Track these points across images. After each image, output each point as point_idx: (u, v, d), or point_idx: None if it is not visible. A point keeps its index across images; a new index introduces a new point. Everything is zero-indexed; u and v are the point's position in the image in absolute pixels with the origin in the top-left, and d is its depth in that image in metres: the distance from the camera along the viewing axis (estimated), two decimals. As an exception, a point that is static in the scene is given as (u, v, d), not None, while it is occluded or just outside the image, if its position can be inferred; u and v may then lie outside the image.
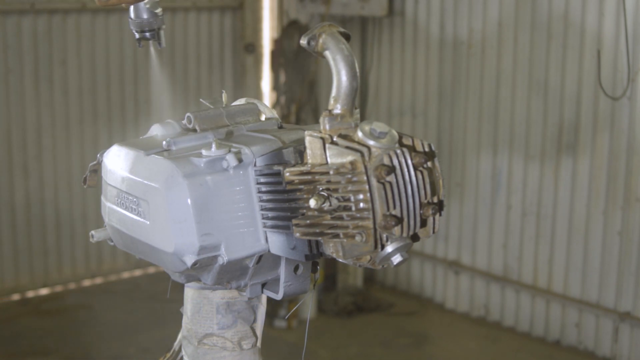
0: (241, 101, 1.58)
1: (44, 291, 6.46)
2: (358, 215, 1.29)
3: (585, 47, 5.21)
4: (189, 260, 1.36)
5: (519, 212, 5.68)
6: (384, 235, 1.30)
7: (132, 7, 1.73)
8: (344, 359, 5.47)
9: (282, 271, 1.45)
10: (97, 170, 1.55)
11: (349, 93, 1.35)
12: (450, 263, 6.15)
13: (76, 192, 6.43)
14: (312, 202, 1.30)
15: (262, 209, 1.38)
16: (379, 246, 1.31)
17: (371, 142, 1.30)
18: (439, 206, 1.34)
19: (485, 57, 5.77)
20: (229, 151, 1.37)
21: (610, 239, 5.21)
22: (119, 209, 1.46)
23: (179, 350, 1.60)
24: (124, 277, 6.80)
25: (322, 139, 1.33)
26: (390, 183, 1.29)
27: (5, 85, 6.11)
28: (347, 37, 1.37)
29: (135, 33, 1.78)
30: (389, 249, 1.31)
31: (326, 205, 1.31)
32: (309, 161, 1.34)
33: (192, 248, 1.36)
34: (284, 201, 1.35)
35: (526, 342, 5.64)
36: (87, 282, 6.66)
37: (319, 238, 1.33)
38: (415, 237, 1.34)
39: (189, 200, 1.34)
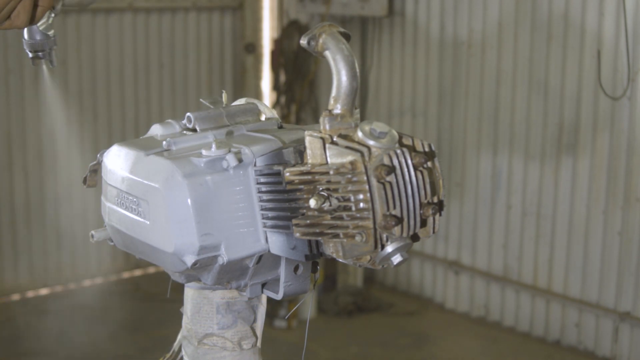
0: (241, 101, 1.58)
1: (44, 291, 6.46)
2: (358, 215, 1.29)
3: (585, 47, 5.21)
4: (189, 260, 1.36)
5: (519, 212, 5.68)
6: (384, 235, 1.30)
7: (25, 29, 1.86)
8: (344, 359, 5.47)
9: (282, 271, 1.45)
10: (97, 170, 1.55)
11: (349, 93, 1.35)
12: (450, 263, 6.15)
13: (76, 192, 6.43)
14: (312, 202, 1.30)
15: (262, 209, 1.38)
16: (379, 246, 1.31)
17: (371, 142, 1.30)
18: (439, 206, 1.34)
19: (485, 57, 5.77)
20: (229, 151, 1.37)
21: (610, 239, 5.22)
22: (119, 209, 1.46)
23: (179, 350, 1.60)
24: (124, 277, 6.81)
25: (322, 139, 1.33)
26: (390, 183, 1.29)
27: (5, 85, 6.11)
28: (347, 37, 1.37)
29: (29, 53, 1.91)
30: (389, 249, 1.31)
31: (326, 205, 1.31)
32: (309, 161, 1.34)
33: (192, 248, 1.35)
34: (284, 201, 1.35)
35: (526, 342, 5.64)
36: (87, 282, 6.66)
37: (319, 238, 1.33)
38: (415, 237, 1.34)
39: (189, 200, 1.34)
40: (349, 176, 1.29)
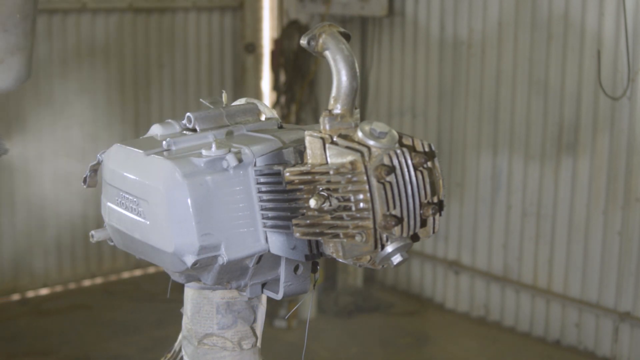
0: (241, 101, 1.58)
1: (44, 291, 6.46)
2: (358, 215, 1.29)
3: (585, 47, 5.21)
4: (189, 260, 1.36)
5: (519, 212, 5.68)
6: (384, 235, 1.30)
7: None
8: (344, 359, 5.47)
9: (282, 271, 1.45)
10: (97, 170, 1.55)
11: (349, 93, 1.35)
12: (450, 263, 6.15)
13: (76, 192, 6.43)
14: (312, 202, 1.30)
15: (262, 209, 1.38)
16: (379, 246, 1.31)
17: (371, 142, 1.30)
18: (439, 206, 1.34)
19: (485, 57, 5.77)
20: (229, 151, 1.37)
21: (610, 239, 5.22)
22: (119, 208, 1.46)
23: (180, 350, 1.60)
24: (124, 277, 6.81)
25: (322, 139, 1.33)
26: (390, 183, 1.29)
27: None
28: (347, 37, 1.37)
29: None
30: (389, 249, 1.31)
31: (326, 205, 1.31)
32: (309, 161, 1.34)
33: (192, 248, 1.35)
34: (284, 201, 1.35)
35: (526, 342, 5.64)
36: (87, 282, 6.66)
37: (319, 238, 1.33)
38: (415, 237, 1.34)
39: (189, 200, 1.34)
40: (349, 176, 1.29)
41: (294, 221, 1.34)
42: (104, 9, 6.46)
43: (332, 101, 1.36)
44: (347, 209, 1.30)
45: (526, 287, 5.69)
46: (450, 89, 6.03)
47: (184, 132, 1.48)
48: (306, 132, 1.35)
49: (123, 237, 1.49)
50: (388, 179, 1.28)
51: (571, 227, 5.42)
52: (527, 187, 5.62)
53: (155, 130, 1.51)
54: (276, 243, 1.38)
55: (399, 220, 1.29)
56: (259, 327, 1.56)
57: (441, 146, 6.05)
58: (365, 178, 1.28)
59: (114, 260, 6.72)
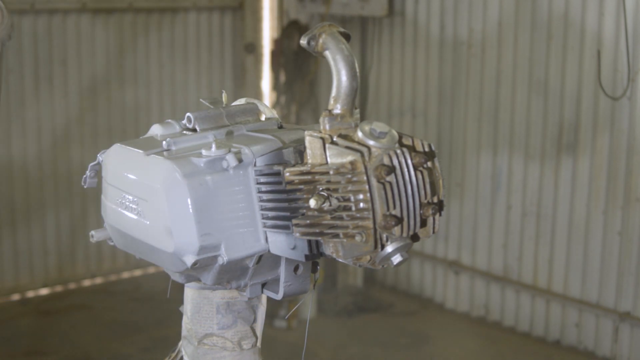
0: (241, 101, 1.58)
1: (44, 291, 6.46)
2: (358, 215, 1.29)
3: (585, 47, 5.21)
4: (189, 260, 1.36)
5: (519, 212, 5.68)
6: (384, 235, 1.30)
7: None
8: (344, 359, 5.47)
9: (282, 271, 1.45)
10: (97, 170, 1.55)
11: (349, 93, 1.35)
12: (450, 263, 6.15)
13: (76, 192, 6.43)
14: (312, 202, 1.30)
15: (262, 209, 1.38)
16: (379, 246, 1.31)
17: (371, 142, 1.30)
18: (439, 206, 1.34)
19: (485, 57, 5.77)
20: (229, 151, 1.37)
21: (610, 239, 5.22)
22: (118, 208, 1.46)
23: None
24: (124, 277, 6.81)
25: (322, 139, 1.33)
26: (390, 183, 1.29)
27: (5, 85, 6.11)
28: (347, 37, 1.37)
29: None
30: (389, 249, 1.31)
31: (326, 205, 1.31)
32: (309, 161, 1.34)
33: (192, 248, 1.35)
34: (284, 201, 1.35)
35: (526, 342, 5.64)
36: (87, 282, 6.66)
37: (319, 238, 1.33)
38: (415, 237, 1.34)
39: (189, 200, 1.34)
40: (349, 176, 1.29)
41: (294, 221, 1.34)
42: (104, 9, 6.46)
43: (332, 101, 1.36)
44: (347, 209, 1.30)
45: (526, 287, 5.69)
46: (450, 89, 6.03)
47: (184, 132, 1.49)
48: (306, 132, 1.35)
49: (123, 237, 1.49)
50: (388, 179, 1.28)
51: (571, 227, 5.42)
52: (527, 187, 5.62)
53: (155, 130, 1.51)
54: (276, 243, 1.39)
55: (399, 220, 1.29)
56: (259, 327, 1.56)
57: (441, 146, 6.05)
58: (365, 178, 1.28)
59: (114, 260, 6.72)
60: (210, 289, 1.49)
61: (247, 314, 1.53)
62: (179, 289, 1.57)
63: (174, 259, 1.38)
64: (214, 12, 7.02)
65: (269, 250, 1.40)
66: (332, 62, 1.35)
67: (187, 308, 1.54)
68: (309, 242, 1.35)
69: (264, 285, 1.48)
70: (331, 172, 1.30)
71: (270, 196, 1.37)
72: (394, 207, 1.29)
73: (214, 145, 1.37)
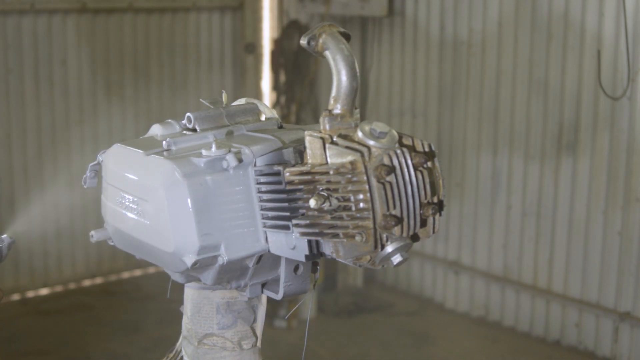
0: (241, 101, 1.58)
1: (44, 291, 6.46)
2: (358, 215, 1.29)
3: (585, 47, 5.21)
4: (189, 260, 1.36)
5: (519, 212, 5.68)
6: (384, 235, 1.30)
7: None
8: (344, 359, 5.47)
9: (282, 271, 1.45)
10: (97, 170, 1.55)
11: (349, 93, 1.35)
12: (450, 263, 6.15)
13: (76, 192, 6.43)
14: (312, 202, 1.30)
15: (262, 209, 1.38)
16: (379, 246, 1.31)
17: (371, 142, 1.30)
18: (439, 206, 1.34)
19: (485, 57, 5.77)
20: (229, 151, 1.37)
21: (610, 239, 5.22)
22: (119, 208, 1.46)
23: (181, 350, 1.60)
24: (124, 277, 6.80)
25: (322, 139, 1.33)
26: (390, 183, 1.29)
27: (5, 85, 6.11)
28: (347, 37, 1.37)
29: None
30: (389, 249, 1.31)
31: (326, 205, 1.31)
32: (309, 161, 1.34)
33: (192, 248, 1.35)
34: (284, 201, 1.35)
35: (526, 342, 5.64)
36: (87, 282, 6.66)
37: (319, 238, 1.33)
38: (415, 237, 1.34)
39: (189, 200, 1.34)
40: (349, 176, 1.29)
41: (294, 221, 1.34)
42: (104, 9, 6.46)
43: (332, 101, 1.36)
44: (347, 209, 1.30)
45: (526, 287, 5.69)
46: (450, 89, 6.03)
47: (184, 132, 1.49)
48: (306, 132, 1.35)
49: (123, 237, 1.49)
50: (388, 179, 1.28)
51: (571, 227, 5.42)
52: (527, 187, 5.62)
53: (155, 130, 1.51)
54: (276, 243, 1.39)
55: (399, 220, 1.29)
56: (259, 327, 1.56)
57: (441, 146, 6.04)
58: (365, 178, 1.28)
59: (114, 260, 6.71)
60: (210, 289, 1.49)
61: (247, 314, 1.53)
62: (179, 289, 1.57)
63: (174, 259, 1.38)
64: (214, 12, 7.02)
65: (269, 250, 1.40)
66: (332, 62, 1.35)
67: (187, 308, 1.54)
68: (309, 242, 1.35)
69: (264, 285, 1.48)
70: (331, 172, 1.30)
71: (270, 196, 1.37)
72: (394, 207, 1.29)
73: (214, 145, 1.37)
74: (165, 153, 1.41)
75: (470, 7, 5.82)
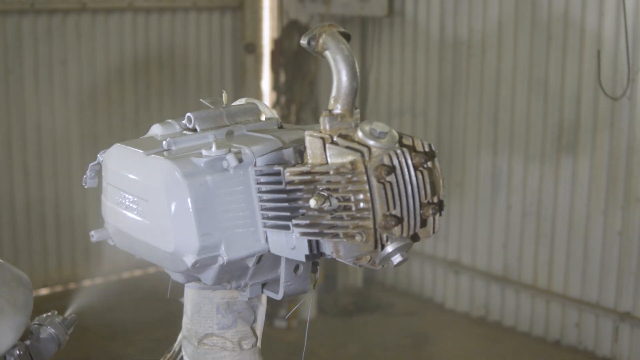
0: (241, 101, 1.58)
1: (44, 291, 6.46)
2: (358, 215, 1.29)
3: (585, 47, 5.21)
4: (189, 260, 1.36)
5: (519, 212, 5.68)
6: (384, 235, 1.30)
7: None
8: (344, 359, 5.47)
9: (282, 271, 1.45)
10: (97, 170, 1.55)
11: (349, 93, 1.35)
12: (450, 263, 6.15)
13: (76, 192, 6.43)
14: (312, 202, 1.30)
15: (262, 209, 1.38)
16: (379, 246, 1.31)
17: (371, 142, 1.30)
18: (439, 206, 1.34)
19: (485, 57, 5.77)
20: (229, 151, 1.37)
21: (610, 239, 5.21)
22: (119, 208, 1.46)
23: (179, 350, 1.60)
24: (124, 277, 6.80)
25: (322, 139, 1.33)
26: (390, 183, 1.29)
27: (5, 85, 6.11)
28: (347, 37, 1.37)
29: None
30: (389, 249, 1.31)
31: (326, 205, 1.30)
32: (309, 161, 1.34)
33: (192, 248, 1.35)
34: (284, 201, 1.35)
35: (526, 342, 5.64)
36: (87, 282, 6.66)
37: (319, 238, 1.33)
38: (415, 237, 1.34)
39: (189, 200, 1.34)
40: (349, 176, 1.29)
41: (294, 221, 1.33)
42: (104, 9, 6.46)
43: (332, 101, 1.36)
44: (347, 209, 1.30)
45: (526, 287, 5.69)
46: (450, 89, 6.03)
47: (184, 132, 1.48)
48: (306, 132, 1.35)
49: (123, 237, 1.49)
50: (388, 179, 1.28)
51: (571, 227, 5.42)
52: (527, 187, 5.62)
53: (155, 130, 1.51)
54: (276, 243, 1.38)
55: (399, 220, 1.29)
56: (259, 327, 1.56)
57: (441, 146, 6.04)
58: (365, 178, 1.28)
59: (114, 260, 6.71)
60: (210, 289, 1.49)
61: (247, 314, 1.52)
62: (179, 289, 1.57)
63: (174, 258, 1.38)
64: (214, 12, 7.02)
65: (269, 250, 1.40)
66: (332, 62, 1.35)
67: (187, 308, 1.54)
68: (309, 242, 1.35)
69: (264, 285, 1.48)
70: (331, 172, 1.30)
71: (270, 196, 1.37)
72: (394, 207, 1.29)
73: (214, 145, 1.37)
74: (165, 153, 1.41)
75: (470, 7, 5.82)
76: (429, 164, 1.33)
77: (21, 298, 1.41)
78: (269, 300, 1.54)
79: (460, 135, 6.00)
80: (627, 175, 5.10)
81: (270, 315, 5.60)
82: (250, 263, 1.41)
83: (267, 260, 1.43)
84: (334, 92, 1.36)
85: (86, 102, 6.47)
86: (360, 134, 1.31)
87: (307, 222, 1.32)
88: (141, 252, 1.47)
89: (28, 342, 1.61)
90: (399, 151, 1.30)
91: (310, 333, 5.62)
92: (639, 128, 5.03)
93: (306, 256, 1.36)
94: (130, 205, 1.43)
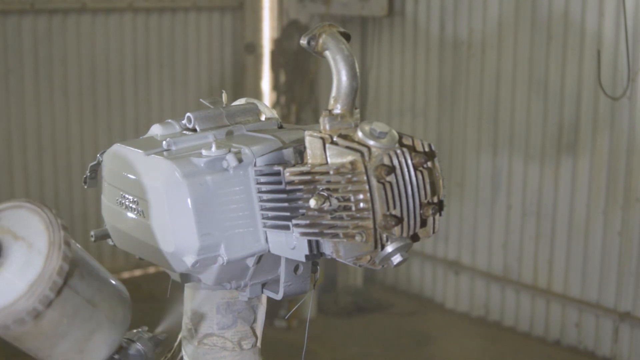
0: (241, 101, 1.58)
1: (44, 291, 6.45)
2: (358, 215, 1.29)
3: (585, 47, 5.21)
4: (189, 260, 1.36)
5: (519, 212, 5.68)
6: (384, 235, 1.30)
7: None
8: (344, 359, 5.47)
9: (282, 271, 1.45)
10: (97, 170, 1.54)
11: (349, 93, 1.35)
12: (450, 263, 6.15)
13: (76, 192, 6.43)
14: (312, 202, 1.30)
15: (262, 209, 1.38)
16: (379, 246, 1.31)
17: (371, 142, 1.30)
18: (439, 206, 1.34)
19: (485, 57, 5.77)
20: (229, 151, 1.37)
21: (610, 239, 5.21)
22: (119, 208, 1.46)
23: (179, 350, 1.60)
24: (124, 277, 6.80)
25: (322, 139, 1.33)
26: (390, 183, 1.29)
27: (5, 85, 6.11)
28: (347, 37, 1.37)
29: None
30: (389, 249, 1.30)
31: (326, 205, 1.30)
32: (309, 161, 1.34)
33: (192, 248, 1.35)
34: (284, 201, 1.35)
35: (526, 342, 5.64)
36: (87, 282, 6.65)
37: (319, 238, 1.33)
38: (415, 237, 1.34)
39: (189, 200, 1.34)
40: (349, 176, 1.29)
41: (294, 221, 1.33)
42: (104, 9, 6.45)
43: (332, 101, 1.36)
44: (347, 209, 1.30)
45: (526, 287, 5.69)
46: (450, 89, 6.02)
47: (184, 132, 1.48)
48: (306, 132, 1.35)
49: (123, 237, 1.49)
50: (388, 179, 1.28)
51: (571, 227, 5.42)
52: (527, 187, 5.62)
53: (155, 130, 1.51)
54: (276, 243, 1.38)
55: (399, 220, 1.29)
56: (259, 327, 1.55)
57: (441, 146, 6.04)
58: (365, 178, 1.28)
59: (114, 260, 6.71)
60: (210, 289, 1.49)
61: (247, 314, 1.52)
62: (179, 289, 1.56)
63: (174, 258, 1.38)
64: (214, 12, 7.02)
65: (269, 250, 1.40)
66: (332, 62, 1.35)
67: (187, 308, 1.54)
68: (309, 242, 1.35)
69: (264, 285, 1.48)
70: (331, 172, 1.30)
71: (270, 196, 1.37)
72: (394, 207, 1.29)
73: (214, 145, 1.37)
74: (165, 153, 1.41)
75: (470, 7, 5.82)
76: (429, 164, 1.33)
77: (120, 314, 1.41)
78: (269, 300, 1.54)
79: (460, 136, 6.00)
80: (627, 175, 5.10)
81: (270, 315, 5.59)
82: (250, 263, 1.41)
83: (267, 260, 1.43)
84: (334, 92, 1.36)
85: (86, 102, 6.47)
86: (360, 134, 1.31)
87: (307, 222, 1.32)
88: (141, 252, 1.47)
89: (117, 357, 1.59)
90: (399, 151, 1.30)
91: (310, 333, 5.62)
92: (639, 128, 5.03)
93: (306, 256, 1.36)
94: (130, 205, 1.43)
